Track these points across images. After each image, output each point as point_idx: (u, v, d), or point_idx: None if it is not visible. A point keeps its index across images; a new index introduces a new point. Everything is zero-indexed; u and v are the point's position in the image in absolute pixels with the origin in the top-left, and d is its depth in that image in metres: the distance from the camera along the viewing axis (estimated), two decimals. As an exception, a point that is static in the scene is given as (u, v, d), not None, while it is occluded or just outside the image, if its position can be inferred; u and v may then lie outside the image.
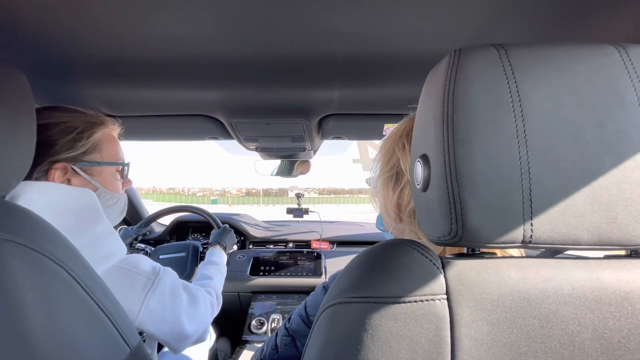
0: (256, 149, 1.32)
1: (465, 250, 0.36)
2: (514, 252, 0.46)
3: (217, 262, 1.01)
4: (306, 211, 1.80)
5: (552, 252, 0.42)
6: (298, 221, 1.83)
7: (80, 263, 0.46)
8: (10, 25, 0.59)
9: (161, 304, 0.66)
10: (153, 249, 1.35)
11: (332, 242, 1.65)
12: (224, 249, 1.11)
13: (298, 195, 1.88)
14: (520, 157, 0.31)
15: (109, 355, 0.45)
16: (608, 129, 0.32)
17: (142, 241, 1.47)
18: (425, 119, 0.37)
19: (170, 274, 0.71)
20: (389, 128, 1.11)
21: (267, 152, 1.38)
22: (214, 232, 1.18)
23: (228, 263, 1.47)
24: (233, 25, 0.59)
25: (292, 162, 1.56)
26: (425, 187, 0.36)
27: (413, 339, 0.30)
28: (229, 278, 1.45)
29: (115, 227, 1.54)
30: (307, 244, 1.65)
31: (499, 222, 0.31)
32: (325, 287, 0.58)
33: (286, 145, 1.25)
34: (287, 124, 1.06)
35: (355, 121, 1.08)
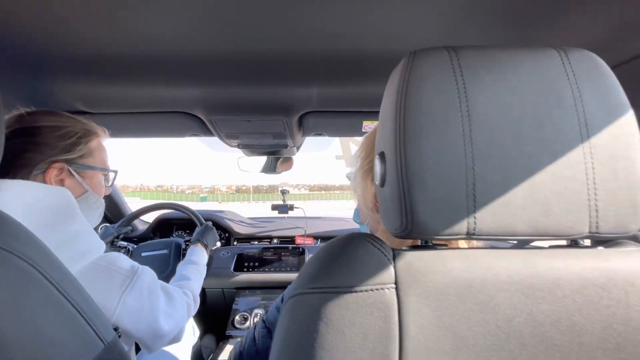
0: (238, 146, 1.32)
1: (419, 242, 0.38)
2: (463, 243, 0.49)
3: (196, 262, 1.01)
4: (291, 207, 1.81)
5: (522, 243, 0.45)
6: (283, 217, 1.84)
7: (51, 261, 0.46)
8: None
9: (138, 302, 0.66)
10: (135, 246, 1.35)
11: (317, 237, 1.67)
12: (205, 247, 1.11)
13: (283, 192, 1.89)
14: (465, 155, 0.33)
15: (82, 350, 0.46)
16: (546, 128, 0.34)
17: (124, 239, 1.46)
18: (384, 117, 0.39)
19: (148, 272, 0.72)
20: (368, 125, 1.13)
21: (250, 148, 1.38)
22: (196, 230, 1.18)
23: (211, 260, 1.48)
24: (211, 23, 0.60)
25: (277, 158, 1.56)
26: (383, 183, 0.38)
27: (364, 326, 0.32)
28: (213, 274, 1.46)
29: (97, 226, 1.53)
30: (291, 239, 1.66)
31: (445, 216, 0.33)
32: None
33: (268, 142, 1.26)
34: (267, 121, 1.06)
35: (335, 118, 1.09)
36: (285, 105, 0.98)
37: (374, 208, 0.54)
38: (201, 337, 1.46)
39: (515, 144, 0.34)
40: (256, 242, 1.67)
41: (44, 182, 0.67)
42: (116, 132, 1.19)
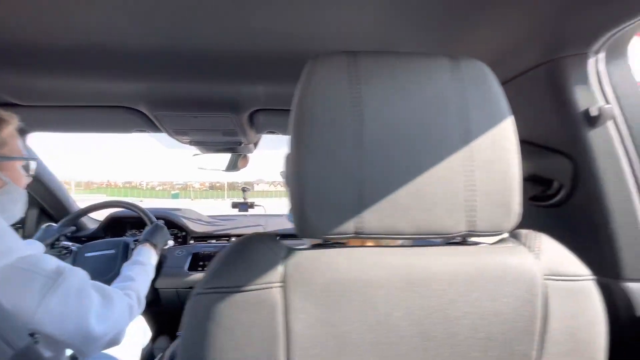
0: (190, 143, 1.29)
1: (321, 241, 0.39)
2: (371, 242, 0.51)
3: (142, 262, 0.97)
4: (251, 205, 1.80)
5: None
6: (245, 215, 1.82)
7: None
8: None
9: (63, 304, 0.63)
10: (80, 246, 1.28)
11: (276, 235, 1.67)
12: (154, 246, 1.07)
13: (244, 189, 1.87)
14: (355, 158, 0.35)
15: None
16: (432, 132, 0.36)
17: (71, 239, 1.38)
18: (290, 120, 0.40)
19: (77, 274, 0.69)
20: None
21: (203, 145, 1.36)
22: (145, 229, 1.14)
23: (165, 259, 1.44)
24: (146, 17, 0.58)
25: (238, 156, 1.54)
26: (287, 184, 0.39)
27: (251, 324, 0.32)
28: (166, 274, 1.42)
29: (39, 224, 1.44)
30: (250, 238, 1.65)
31: (334, 216, 0.35)
32: None
33: (220, 139, 1.24)
34: (215, 117, 1.04)
35: (286, 116, 1.09)
36: (231, 102, 0.97)
37: None
38: (154, 339, 1.42)
39: (403, 150, 0.36)
40: (214, 241, 1.64)
41: None
42: (51, 126, 1.13)
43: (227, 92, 0.92)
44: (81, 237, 1.58)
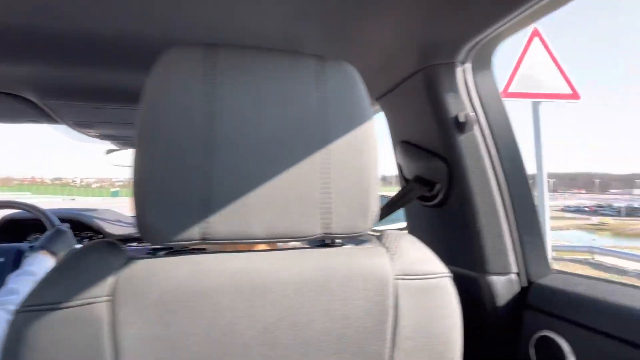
0: (100, 137, 1.17)
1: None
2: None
3: (33, 272, 0.86)
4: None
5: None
6: None
7: None
8: None
9: None
10: None
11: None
12: (52, 254, 0.95)
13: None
14: (204, 158, 0.33)
15: None
16: (290, 133, 0.36)
17: None
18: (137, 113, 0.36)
19: None
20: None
21: (116, 140, 1.24)
22: (44, 235, 1.01)
23: (69, 234, 1.29)
24: None
25: None
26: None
27: (70, 345, 0.29)
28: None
29: None
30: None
31: (178, 221, 0.32)
32: None
33: (132, 132, 1.14)
34: (120, 109, 0.96)
35: None
36: (135, 93, 0.89)
37: None
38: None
39: (257, 152, 0.35)
40: (134, 244, 1.52)
41: None
42: None
43: (129, 82, 0.85)
44: None
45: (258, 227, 0.34)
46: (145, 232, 0.33)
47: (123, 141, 1.26)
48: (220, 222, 0.33)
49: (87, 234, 1.50)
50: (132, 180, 0.33)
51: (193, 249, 0.37)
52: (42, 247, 0.95)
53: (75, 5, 0.55)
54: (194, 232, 0.33)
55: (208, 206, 0.33)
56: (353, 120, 0.38)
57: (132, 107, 0.96)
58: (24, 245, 1.15)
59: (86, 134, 1.13)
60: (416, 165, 0.67)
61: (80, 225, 1.47)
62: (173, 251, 0.36)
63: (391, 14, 0.52)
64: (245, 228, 0.34)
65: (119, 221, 1.60)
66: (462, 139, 0.58)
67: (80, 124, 1.03)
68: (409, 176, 0.71)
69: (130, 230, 1.54)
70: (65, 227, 1.07)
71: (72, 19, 0.58)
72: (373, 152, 0.39)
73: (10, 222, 1.42)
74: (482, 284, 0.58)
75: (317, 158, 0.36)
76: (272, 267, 0.34)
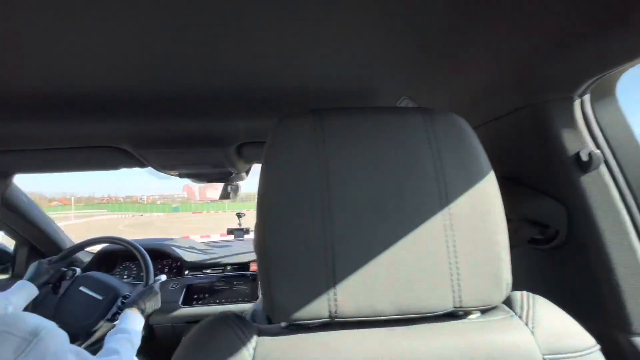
0: (179, 175, 1.27)
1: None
2: None
3: (127, 330, 0.94)
4: (247, 231, 1.76)
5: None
6: (239, 241, 1.79)
7: None
8: None
9: None
10: (81, 274, 1.23)
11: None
12: (142, 312, 1.02)
13: (239, 215, 1.83)
14: (324, 233, 0.32)
15: None
16: (407, 198, 0.33)
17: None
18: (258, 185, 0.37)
19: (56, 335, 0.65)
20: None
21: (194, 177, 1.33)
22: (136, 289, 1.09)
23: (158, 296, 1.39)
24: (126, 63, 0.57)
25: (230, 185, 1.52)
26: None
27: None
28: (161, 310, 1.37)
29: (29, 262, 1.40)
30: (246, 265, 1.61)
31: (305, 299, 0.32)
32: (252, 313, 0.57)
33: (209, 170, 1.22)
34: (200, 152, 1.02)
35: None
36: (215, 138, 0.95)
37: None
38: (149, 377, 1.38)
39: (376, 218, 0.33)
40: (209, 271, 1.60)
41: None
42: (36, 168, 1.11)
43: (209, 128, 0.91)
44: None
45: (385, 303, 0.32)
46: (273, 309, 0.32)
47: (200, 177, 1.34)
48: (347, 299, 0.32)
49: (168, 261, 1.62)
50: (258, 254, 0.33)
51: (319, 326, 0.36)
52: (135, 304, 1.02)
53: (167, 70, 0.60)
54: (322, 310, 0.32)
55: (334, 281, 0.32)
56: (472, 177, 0.35)
57: (208, 150, 1.03)
58: (121, 290, 1.22)
59: (169, 174, 1.23)
60: (523, 205, 0.60)
61: (161, 254, 1.59)
62: (298, 327, 0.35)
63: (499, 52, 0.48)
64: (372, 303, 0.32)
65: (193, 248, 1.71)
66: (585, 180, 0.50)
67: (165, 166, 1.12)
68: (510, 215, 0.64)
69: (202, 257, 1.63)
70: (157, 287, 1.14)
71: (163, 81, 0.64)
72: (500, 213, 0.35)
73: (104, 254, 1.58)
74: (624, 345, 0.49)
75: (438, 221, 0.33)
76: (408, 347, 0.32)
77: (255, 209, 0.34)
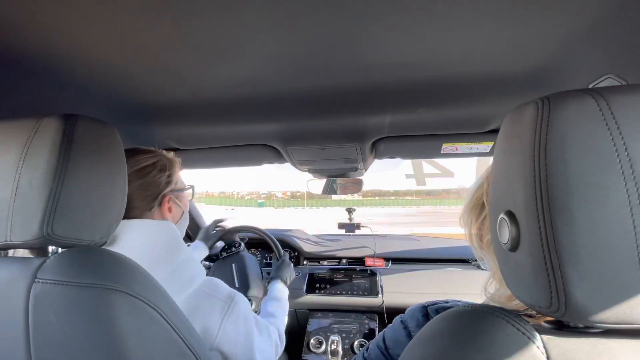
0: (308, 171, 1.34)
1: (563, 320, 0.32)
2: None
3: (279, 298, 1.02)
4: (358, 226, 1.79)
5: None
6: (349, 235, 1.82)
7: (167, 302, 0.50)
8: (106, 82, 0.68)
9: (235, 328, 0.69)
10: (243, 249, 1.29)
11: (387, 258, 1.62)
12: (284, 283, 1.10)
13: (349, 210, 1.87)
14: (635, 228, 0.28)
15: None
16: None
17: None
18: (509, 172, 0.34)
19: (243, 300, 0.74)
20: (448, 147, 1.06)
21: (319, 173, 1.40)
22: (273, 264, 1.18)
23: (292, 266, 1.48)
24: (286, 66, 0.63)
25: (343, 181, 1.55)
26: (514, 248, 0.33)
27: None
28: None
29: (190, 237, 1.64)
30: (360, 260, 1.63)
31: (612, 300, 0.28)
32: (403, 322, 0.57)
33: (338, 166, 1.26)
34: (340, 148, 1.06)
35: (410, 142, 1.05)
36: (358, 133, 0.97)
37: (478, 245, 0.52)
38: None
39: None
40: (325, 262, 1.67)
41: (162, 216, 0.72)
42: (200, 164, 1.29)
43: (354, 124, 0.93)
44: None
45: None
46: (568, 310, 0.29)
47: (323, 173, 1.40)
48: None
49: (287, 250, 1.74)
50: (543, 251, 0.30)
51: (586, 327, 0.32)
52: (279, 277, 1.10)
53: (321, 69, 0.63)
54: (635, 316, 0.27)
55: None
56: None
57: (347, 146, 1.05)
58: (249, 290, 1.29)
59: (300, 170, 1.31)
60: None
61: (283, 243, 1.72)
62: (576, 329, 0.32)
63: None
64: None
65: (308, 240, 1.81)
66: None
67: (302, 162, 1.20)
68: None
69: (318, 249, 1.71)
70: (287, 258, 1.22)
71: (316, 80, 0.68)
72: None
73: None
74: None
75: None
76: None
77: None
